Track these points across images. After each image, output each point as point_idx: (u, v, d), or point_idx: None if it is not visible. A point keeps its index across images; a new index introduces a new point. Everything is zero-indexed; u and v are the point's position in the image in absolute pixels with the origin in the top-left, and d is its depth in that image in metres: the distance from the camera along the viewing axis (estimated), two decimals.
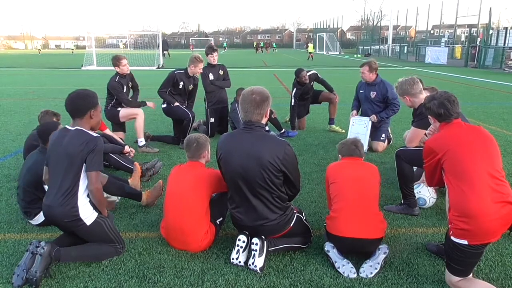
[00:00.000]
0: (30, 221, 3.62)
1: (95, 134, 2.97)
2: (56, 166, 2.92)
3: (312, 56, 36.48)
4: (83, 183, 2.92)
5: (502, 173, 2.55)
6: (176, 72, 6.33)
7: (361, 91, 6.20)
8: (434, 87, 4.77)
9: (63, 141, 2.91)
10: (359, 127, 6.06)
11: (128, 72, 6.10)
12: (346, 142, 3.44)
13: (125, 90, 6.03)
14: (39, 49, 62.47)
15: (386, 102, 5.99)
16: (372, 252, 3.01)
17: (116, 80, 5.96)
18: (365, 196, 3.07)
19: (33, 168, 3.51)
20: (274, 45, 74.22)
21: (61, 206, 2.85)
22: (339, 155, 3.46)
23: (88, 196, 2.96)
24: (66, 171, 2.87)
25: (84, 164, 2.87)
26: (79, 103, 2.97)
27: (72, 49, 58.62)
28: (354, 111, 6.28)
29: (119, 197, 4.09)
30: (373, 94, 6.05)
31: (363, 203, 3.04)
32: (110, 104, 6.05)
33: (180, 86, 6.31)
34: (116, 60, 5.98)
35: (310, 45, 38.89)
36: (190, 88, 6.47)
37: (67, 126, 3.02)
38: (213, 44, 8.39)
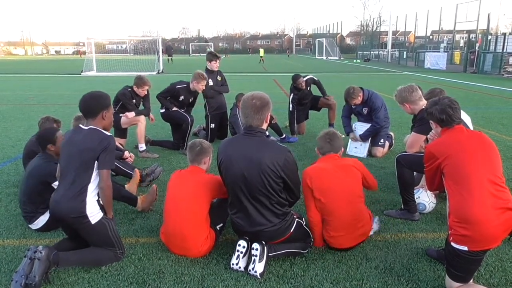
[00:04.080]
0: (30, 226, 3.62)
1: (108, 133, 3.02)
2: (68, 164, 2.95)
3: (263, 60, 42.69)
4: (93, 181, 2.94)
5: (502, 179, 2.56)
6: (177, 86, 6.34)
7: (353, 107, 6.25)
8: (436, 90, 4.75)
9: (77, 139, 2.95)
10: (361, 133, 6.09)
11: (142, 95, 6.12)
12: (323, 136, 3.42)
13: (134, 102, 6.08)
14: None
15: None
16: None
17: (129, 90, 6.02)
18: (357, 209, 3.21)
19: (33, 172, 3.55)
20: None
21: (69, 201, 2.87)
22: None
23: (97, 195, 2.98)
24: (78, 169, 2.90)
25: (96, 162, 2.90)
26: (92, 104, 3.02)
27: (82, 53, 58.29)
28: (352, 134, 6.20)
29: None
30: (365, 111, 6.17)
31: (355, 215, 3.19)
32: (114, 111, 6.06)
33: (180, 99, 6.35)
34: (139, 83, 5.98)
35: (261, 50, 46.40)
36: (189, 101, 6.52)
37: (80, 126, 3.05)
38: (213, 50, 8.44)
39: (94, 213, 2.93)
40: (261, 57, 44.11)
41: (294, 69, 27.69)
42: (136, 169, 4.70)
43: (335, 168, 3.26)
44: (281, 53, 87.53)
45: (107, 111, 3.07)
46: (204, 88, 6.40)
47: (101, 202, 3.00)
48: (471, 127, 3.86)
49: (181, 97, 6.34)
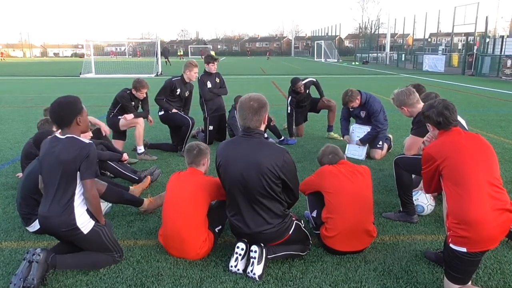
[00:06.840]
0: (27, 228, 3.61)
1: (87, 141, 2.92)
2: (49, 176, 2.87)
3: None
4: (78, 191, 2.88)
5: (500, 180, 2.57)
6: (173, 79, 6.40)
7: (351, 109, 6.26)
8: (431, 94, 4.76)
9: (55, 150, 2.84)
10: (359, 135, 6.10)
11: (141, 98, 6.13)
12: (325, 152, 3.60)
13: (133, 104, 6.07)
14: None
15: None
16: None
17: (128, 92, 6.02)
18: (363, 213, 3.18)
19: (31, 174, 3.52)
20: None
21: (57, 216, 2.82)
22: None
23: (84, 204, 2.93)
24: (60, 180, 2.83)
25: (78, 172, 2.83)
26: (63, 112, 2.88)
27: (5, 55, 55.46)
28: (347, 137, 6.23)
29: (109, 207, 4.09)
30: (363, 114, 6.19)
31: (361, 222, 3.17)
32: (113, 113, 6.08)
33: (178, 93, 6.36)
34: (138, 87, 5.96)
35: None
36: (186, 95, 6.52)
37: (57, 135, 2.96)
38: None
39: (85, 223, 2.89)
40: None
41: (293, 71, 27.74)
42: (148, 176, 4.74)
43: (351, 170, 3.36)
44: (279, 55, 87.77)
45: (81, 115, 2.91)
46: (197, 75, 6.45)
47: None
48: (467, 129, 3.87)
49: (178, 90, 6.35)
